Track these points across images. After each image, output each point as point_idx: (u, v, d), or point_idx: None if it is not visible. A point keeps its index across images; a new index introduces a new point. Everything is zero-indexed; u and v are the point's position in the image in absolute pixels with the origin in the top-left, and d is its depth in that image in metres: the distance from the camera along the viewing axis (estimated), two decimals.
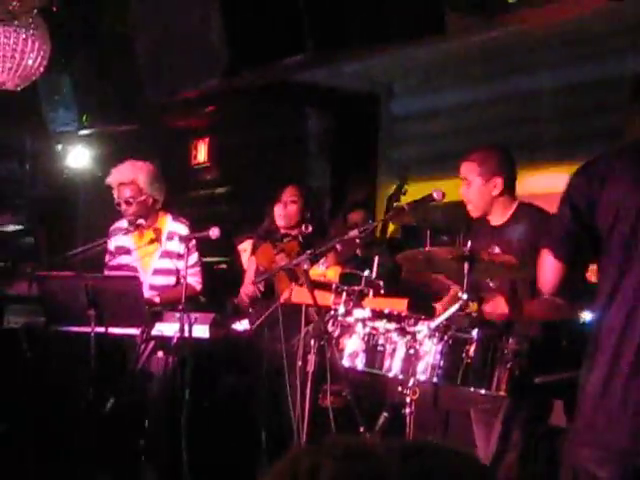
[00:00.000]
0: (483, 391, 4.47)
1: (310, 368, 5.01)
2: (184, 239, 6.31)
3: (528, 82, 8.18)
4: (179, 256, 6.58)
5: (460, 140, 8.10)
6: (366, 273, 5.14)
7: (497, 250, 4.79)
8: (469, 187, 5.05)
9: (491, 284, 4.72)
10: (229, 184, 10.58)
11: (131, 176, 6.68)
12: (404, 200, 7.28)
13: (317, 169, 10.28)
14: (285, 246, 6.36)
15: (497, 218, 5.07)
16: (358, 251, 7.15)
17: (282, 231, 6.52)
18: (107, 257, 6.87)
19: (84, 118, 7.62)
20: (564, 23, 5.83)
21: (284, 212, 6.49)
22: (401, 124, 9.76)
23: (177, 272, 6.65)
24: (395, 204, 7.47)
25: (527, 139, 8.07)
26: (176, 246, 6.63)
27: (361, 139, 9.89)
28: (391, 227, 8.73)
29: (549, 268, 3.47)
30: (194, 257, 6.62)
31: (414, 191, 7.26)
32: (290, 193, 6.54)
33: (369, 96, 9.79)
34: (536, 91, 8.13)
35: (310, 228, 6.39)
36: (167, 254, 6.68)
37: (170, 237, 6.69)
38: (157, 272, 6.69)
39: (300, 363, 5.20)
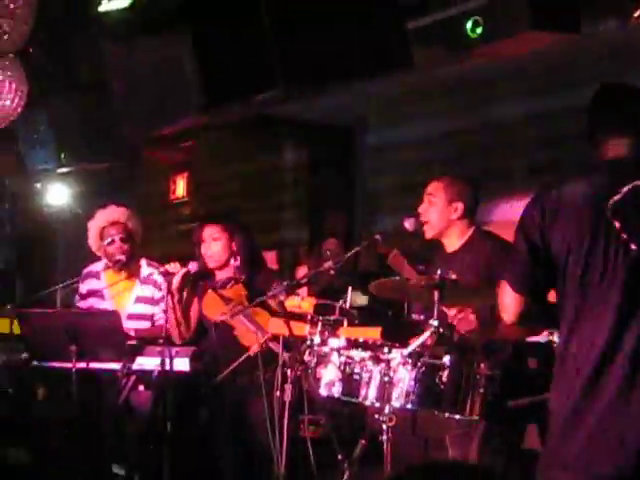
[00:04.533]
0: (457, 416, 4.55)
1: (287, 398, 5.08)
2: (164, 274, 6.31)
3: (496, 113, 8.32)
4: (154, 301, 6.64)
5: (433, 170, 8.21)
6: (340, 303, 5.24)
7: (454, 276, 4.89)
8: (431, 205, 5.24)
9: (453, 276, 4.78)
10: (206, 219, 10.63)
11: (122, 218, 6.76)
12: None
13: (294, 200, 10.37)
14: (231, 294, 6.22)
15: (452, 244, 5.24)
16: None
17: (216, 272, 6.33)
18: (77, 299, 6.92)
19: (62, 156, 7.69)
20: (526, 55, 5.98)
21: (209, 252, 6.28)
22: (376, 155, 9.88)
23: (151, 317, 6.68)
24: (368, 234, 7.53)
25: (497, 169, 8.21)
26: (150, 291, 6.69)
27: (337, 170, 10.01)
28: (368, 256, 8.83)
29: (509, 300, 3.53)
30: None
31: (390, 221, 7.36)
32: (210, 231, 6.32)
33: (344, 128, 9.92)
34: (507, 120, 8.26)
35: (238, 260, 6.28)
36: (142, 299, 6.74)
37: (145, 282, 6.75)
38: (131, 317, 6.68)
39: (278, 393, 5.27)
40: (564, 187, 3.50)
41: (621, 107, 3.59)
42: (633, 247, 3.29)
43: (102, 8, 5.84)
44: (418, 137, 9.24)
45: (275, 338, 5.54)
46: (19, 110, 5.93)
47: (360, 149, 9.98)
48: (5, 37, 4.55)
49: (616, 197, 3.32)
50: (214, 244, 6.28)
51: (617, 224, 3.30)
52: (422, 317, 5.21)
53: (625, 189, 3.32)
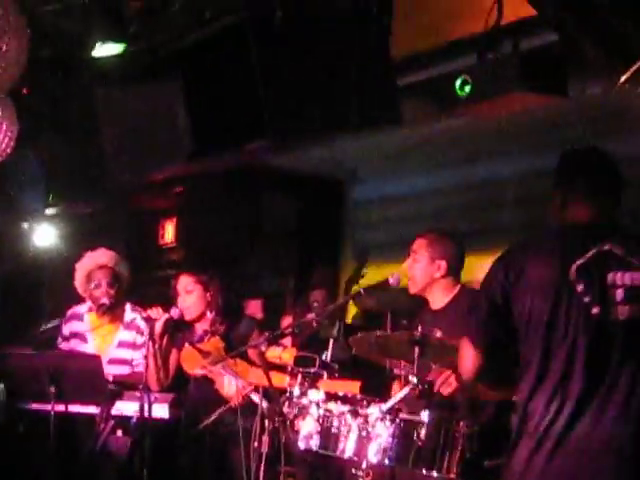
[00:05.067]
0: (435, 473, 4.52)
1: (264, 449, 5.06)
2: (146, 319, 6.29)
3: (486, 169, 8.36)
4: (135, 346, 6.61)
5: (421, 225, 8.21)
6: (323, 356, 5.23)
7: (439, 334, 4.90)
8: (415, 262, 5.26)
9: (434, 367, 4.79)
10: (196, 264, 10.63)
11: (110, 262, 6.76)
12: (362, 283, 7.37)
13: (283, 250, 10.36)
14: (208, 347, 6.21)
15: (437, 301, 5.26)
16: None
17: (195, 325, 6.36)
18: (59, 340, 6.89)
19: (50, 197, 7.69)
20: (515, 115, 6.03)
21: (184, 304, 6.29)
22: (364, 208, 9.91)
23: (131, 362, 6.65)
24: (353, 287, 7.54)
25: (487, 225, 8.23)
26: (132, 336, 6.67)
27: (326, 221, 10.03)
28: (353, 310, 8.82)
29: (468, 356, 3.60)
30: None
31: (376, 274, 7.34)
32: (184, 283, 6.34)
33: (333, 180, 9.95)
34: (494, 178, 8.30)
35: (213, 313, 6.28)
36: (124, 344, 6.71)
37: (128, 327, 6.73)
38: (112, 361, 6.65)
39: (256, 444, 5.24)
40: (529, 248, 3.54)
41: (588, 173, 3.64)
42: (595, 311, 3.32)
43: (95, 53, 5.88)
44: (407, 191, 9.26)
45: (256, 389, 5.53)
46: (8, 151, 5.94)
47: (349, 201, 10.00)
48: None
49: (580, 261, 3.36)
50: (188, 297, 6.32)
51: (579, 287, 3.34)
52: (403, 372, 5.20)
53: (589, 253, 3.37)
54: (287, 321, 8.13)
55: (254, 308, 9.78)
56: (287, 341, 7.03)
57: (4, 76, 4.66)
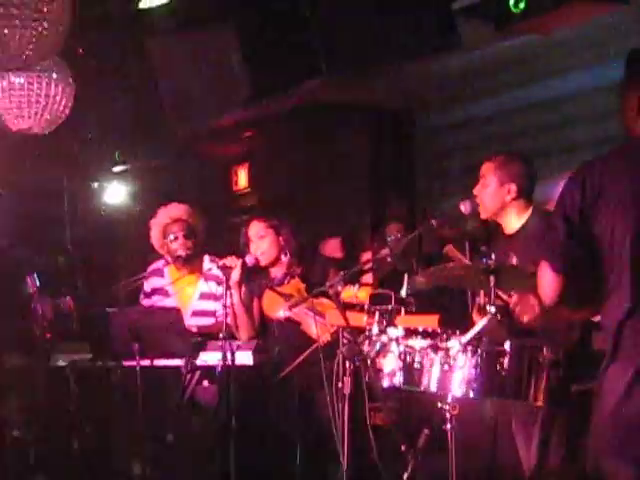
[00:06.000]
0: (521, 402, 4.44)
1: (347, 390, 5.02)
2: (222, 268, 6.26)
3: (552, 88, 8.15)
4: (217, 297, 6.61)
5: (494, 149, 8.08)
6: (402, 292, 5.14)
7: (514, 259, 4.78)
8: (484, 187, 5.16)
9: (513, 294, 4.68)
10: (270, 209, 10.61)
11: (184, 215, 6.79)
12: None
13: (356, 186, 10.28)
14: (290, 289, 6.21)
15: (510, 225, 5.14)
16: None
17: (270, 271, 6.34)
18: (141, 297, 6.94)
19: (117, 155, 7.71)
20: (575, 28, 5.84)
21: (258, 251, 6.28)
22: (436, 136, 9.76)
23: (214, 314, 6.67)
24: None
25: (560, 144, 8.05)
26: (214, 287, 6.67)
27: (397, 153, 9.90)
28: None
29: (548, 281, 3.42)
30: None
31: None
32: (255, 230, 6.34)
33: (403, 111, 9.79)
34: (562, 95, 8.09)
35: (288, 256, 6.28)
36: (205, 295, 6.72)
37: (207, 278, 6.73)
38: (196, 313, 6.73)
39: (340, 384, 5.20)
40: (606, 164, 3.34)
41: None
42: None
43: (142, 5, 5.82)
44: (477, 115, 9.09)
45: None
46: (67, 112, 5.96)
47: (419, 131, 9.85)
48: (42, 40, 4.53)
49: None
50: (261, 242, 6.30)
51: None
52: (483, 302, 5.10)
53: None
54: (366, 257, 8.08)
55: (333, 247, 9.74)
56: (368, 277, 6.99)
57: (51, 38, 4.63)
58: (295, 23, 5.29)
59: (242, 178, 10.98)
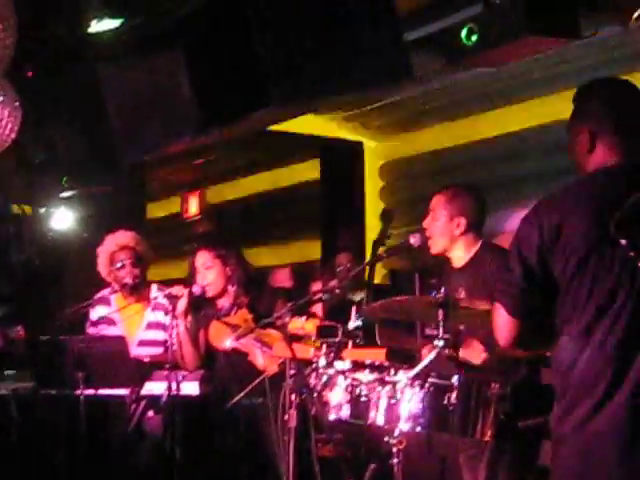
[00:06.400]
0: (468, 437, 4.41)
1: (292, 423, 4.96)
2: (168, 297, 6.20)
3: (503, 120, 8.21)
4: (165, 327, 6.53)
5: (442, 181, 8.11)
6: (349, 324, 5.10)
7: (463, 293, 4.76)
8: (434, 220, 5.10)
9: (461, 327, 4.67)
10: (220, 237, 10.57)
11: (132, 242, 6.72)
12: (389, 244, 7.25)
13: (307, 216, 10.27)
14: (237, 320, 6.15)
15: (459, 259, 5.09)
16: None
17: (217, 302, 6.30)
18: (87, 325, 6.86)
19: (64, 180, 7.62)
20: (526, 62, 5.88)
21: (205, 281, 6.22)
22: (386, 166, 9.77)
23: (164, 343, 6.53)
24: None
25: (506, 177, 8.10)
26: (161, 317, 6.60)
27: (348, 182, 9.88)
28: (381, 271, 8.71)
29: (503, 324, 3.31)
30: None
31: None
32: (202, 260, 6.28)
33: (354, 140, 9.79)
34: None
35: (235, 286, 6.23)
36: (153, 325, 6.65)
37: (155, 307, 6.66)
38: (143, 343, 6.64)
39: (286, 417, 5.14)
40: (562, 203, 3.22)
41: (615, 102, 3.30)
42: None
43: (92, 29, 5.76)
44: (426, 148, 9.12)
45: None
46: (12, 136, 5.87)
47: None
48: None
49: (619, 212, 3.09)
50: (208, 273, 6.25)
51: (623, 241, 3.09)
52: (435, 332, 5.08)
53: (629, 202, 3.10)
54: (316, 287, 8.04)
55: (282, 277, 9.72)
56: (318, 308, 6.95)
57: None
58: (244, 51, 5.26)
59: (193, 205, 10.94)
